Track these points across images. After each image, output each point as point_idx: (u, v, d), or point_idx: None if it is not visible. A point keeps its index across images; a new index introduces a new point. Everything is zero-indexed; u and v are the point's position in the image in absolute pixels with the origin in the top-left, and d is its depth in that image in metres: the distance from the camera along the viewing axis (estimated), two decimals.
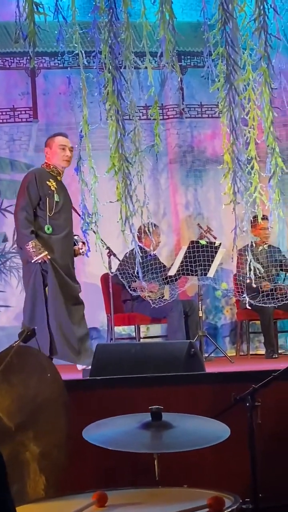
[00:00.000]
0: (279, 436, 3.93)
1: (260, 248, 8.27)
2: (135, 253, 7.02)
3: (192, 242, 7.73)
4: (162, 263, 8.11)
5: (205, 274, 7.62)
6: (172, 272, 7.66)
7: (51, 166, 6.28)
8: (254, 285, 7.71)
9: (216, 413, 3.27)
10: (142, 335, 8.14)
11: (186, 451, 2.88)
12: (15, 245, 7.72)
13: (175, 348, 4.55)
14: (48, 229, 6.11)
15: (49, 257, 6.01)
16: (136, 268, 7.02)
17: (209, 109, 8.79)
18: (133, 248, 7.21)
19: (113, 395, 3.97)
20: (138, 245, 6.98)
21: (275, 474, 3.92)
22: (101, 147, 7.47)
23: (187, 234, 8.67)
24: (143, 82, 7.31)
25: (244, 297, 7.64)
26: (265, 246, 8.36)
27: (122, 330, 8.46)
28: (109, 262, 7.12)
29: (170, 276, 7.73)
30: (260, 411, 3.28)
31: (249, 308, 7.71)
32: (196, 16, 7.86)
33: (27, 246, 6.00)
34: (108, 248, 7.05)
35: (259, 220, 7.73)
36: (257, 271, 7.27)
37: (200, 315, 7.60)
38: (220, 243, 7.77)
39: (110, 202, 7.02)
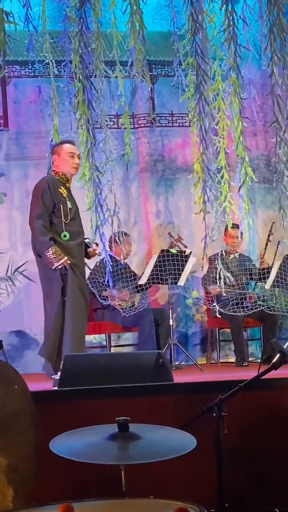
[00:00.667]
0: (245, 446, 3.95)
1: (231, 256, 8.32)
2: (106, 262, 7.05)
3: (162, 251, 7.76)
4: (133, 272, 8.13)
5: (176, 283, 7.65)
6: (142, 280, 7.68)
7: (60, 174, 6.27)
8: (225, 294, 7.76)
9: (183, 423, 3.28)
10: (113, 343, 8.14)
11: (153, 462, 2.89)
12: None
13: (143, 359, 4.56)
14: (65, 236, 6.11)
15: (69, 262, 5.99)
16: (107, 277, 7.05)
17: (180, 118, 8.83)
18: (104, 257, 7.24)
19: (80, 406, 3.96)
20: (109, 254, 7.01)
21: (241, 484, 3.93)
22: None
23: (158, 243, 8.69)
24: (113, 91, 7.34)
25: (215, 305, 7.69)
26: (235, 254, 8.40)
27: (93, 338, 8.46)
28: None
29: (141, 285, 7.74)
30: (227, 421, 3.30)
31: (219, 316, 7.76)
32: (166, 26, 7.90)
33: (47, 253, 5.98)
34: None
35: (229, 229, 7.81)
36: (227, 279, 7.32)
37: (171, 323, 7.62)
38: (191, 252, 7.80)
39: (81, 211, 7.04)
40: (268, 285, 7.94)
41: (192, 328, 8.87)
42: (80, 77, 6.89)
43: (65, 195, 6.18)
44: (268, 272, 8.01)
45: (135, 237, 8.64)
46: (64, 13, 6.94)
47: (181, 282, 7.66)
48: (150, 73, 7.62)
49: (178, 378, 4.91)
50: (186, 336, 8.85)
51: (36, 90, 7.84)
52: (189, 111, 7.20)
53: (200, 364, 7.71)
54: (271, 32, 7.01)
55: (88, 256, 6.51)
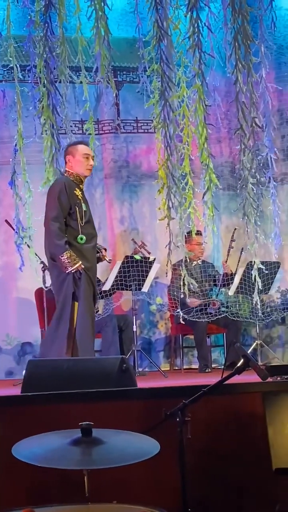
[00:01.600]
0: (208, 450, 3.96)
1: (194, 263, 8.33)
2: None
3: (126, 257, 7.75)
4: (97, 278, 8.10)
5: (140, 289, 7.64)
6: (106, 286, 7.65)
7: (74, 175, 6.16)
8: (188, 300, 7.78)
9: (147, 428, 3.27)
10: None
11: (116, 467, 2.88)
12: None
13: (107, 364, 4.55)
14: (82, 239, 5.96)
15: (83, 266, 5.90)
16: None
17: (145, 124, 8.84)
18: None
19: (44, 411, 3.94)
20: None
21: (205, 489, 3.94)
22: (36, 161, 7.46)
23: (122, 249, 8.68)
24: (78, 96, 7.34)
25: (179, 311, 7.71)
26: (198, 261, 8.42)
27: None
28: (43, 277, 7.08)
29: (105, 291, 7.72)
30: (190, 426, 3.30)
31: (183, 322, 7.77)
32: (131, 32, 7.91)
33: (62, 257, 5.84)
34: (42, 262, 7.01)
35: (193, 235, 7.82)
36: (191, 286, 7.34)
37: (135, 329, 7.60)
38: (155, 258, 7.80)
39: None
40: (231, 291, 7.97)
41: (156, 335, 8.86)
42: (45, 82, 6.89)
43: (80, 197, 6.07)
44: (232, 279, 8.04)
45: (99, 243, 8.61)
46: (29, 17, 6.93)
47: (145, 288, 7.65)
48: (115, 79, 7.64)
49: (142, 384, 4.90)
50: (150, 343, 8.84)
51: (0, 95, 7.80)
52: (154, 117, 7.23)
53: (164, 371, 7.71)
54: (236, 39, 7.08)
55: (99, 260, 6.42)
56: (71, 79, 7.05)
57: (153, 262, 7.71)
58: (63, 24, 6.94)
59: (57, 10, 6.82)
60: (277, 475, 3.53)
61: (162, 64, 6.97)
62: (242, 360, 3.34)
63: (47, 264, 7.30)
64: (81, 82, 7.11)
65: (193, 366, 8.59)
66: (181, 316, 7.57)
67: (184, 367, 8.41)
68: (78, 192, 6.03)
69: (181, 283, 7.35)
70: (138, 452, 2.98)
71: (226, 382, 3.49)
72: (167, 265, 7.19)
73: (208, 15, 7.13)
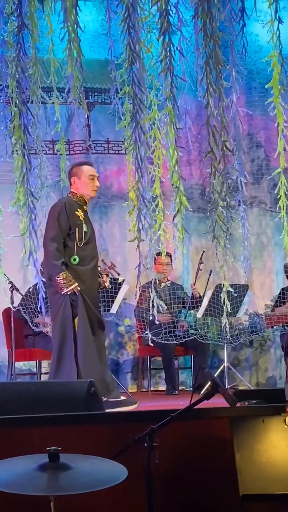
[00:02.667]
0: (176, 476, 3.94)
1: (163, 285, 8.34)
2: (39, 288, 6.99)
3: None
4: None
5: (108, 310, 7.62)
6: None
7: (78, 196, 6.15)
8: (157, 322, 7.78)
9: (114, 453, 3.26)
10: (43, 370, 8.05)
11: (83, 493, 2.86)
12: None
13: (75, 387, 4.52)
14: (75, 260, 5.97)
15: (79, 288, 5.87)
16: (40, 303, 6.98)
17: (116, 145, 8.86)
18: (37, 283, 7.17)
19: (10, 435, 3.90)
20: (42, 280, 6.95)
21: None
22: (6, 180, 7.45)
23: None
24: (49, 117, 7.33)
25: (147, 333, 7.70)
26: (167, 283, 8.43)
27: (23, 365, 8.36)
28: (11, 297, 7.04)
29: None
30: (158, 451, 3.29)
31: (151, 344, 7.77)
32: (104, 54, 7.94)
33: (58, 278, 5.86)
34: (10, 282, 6.98)
35: (163, 257, 7.84)
36: (160, 308, 7.34)
37: None
38: (124, 280, 7.80)
39: (14, 236, 6.98)
40: (200, 313, 7.99)
41: (123, 356, 8.85)
42: (17, 102, 6.87)
43: (81, 218, 6.05)
44: (200, 301, 8.06)
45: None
46: (2, 38, 6.92)
47: (114, 309, 7.64)
48: (86, 100, 7.65)
49: None
50: (118, 364, 8.83)
51: None
52: (125, 139, 7.24)
53: (131, 392, 7.70)
54: (207, 64, 7.12)
55: (99, 285, 6.39)
56: (43, 99, 7.05)
57: (122, 284, 7.70)
58: (35, 45, 6.95)
59: (30, 31, 6.82)
60: (244, 501, 3.52)
61: (134, 86, 7.00)
62: (211, 386, 3.35)
63: (15, 284, 7.28)
64: (53, 103, 7.11)
65: (160, 388, 8.58)
66: (149, 338, 7.56)
67: (152, 389, 8.41)
68: (80, 213, 6.04)
69: (150, 305, 7.35)
70: (106, 477, 2.97)
71: (194, 407, 3.49)
72: (136, 286, 7.19)
73: (180, 39, 7.17)
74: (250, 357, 9.12)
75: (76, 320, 5.90)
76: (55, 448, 2.95)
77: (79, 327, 5.88)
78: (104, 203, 8.85)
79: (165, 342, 7.83)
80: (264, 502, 3.79)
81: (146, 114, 7.13)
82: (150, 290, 7.45)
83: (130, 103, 7.09)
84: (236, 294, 7.81)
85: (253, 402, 4.38)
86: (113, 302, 7.62)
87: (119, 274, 8.06)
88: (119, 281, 7.72)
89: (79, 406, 4.27)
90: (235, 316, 8.15)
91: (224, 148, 7.18)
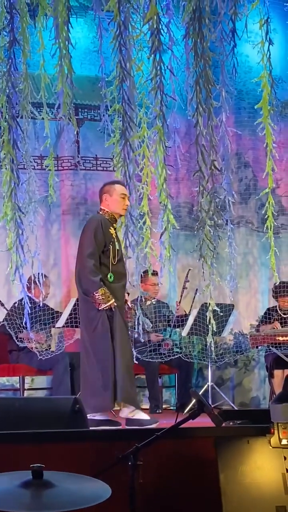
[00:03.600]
0: (160, 495, 3.92)
1: (148, 302, 8.33)
2: (24, 303, 6.97)
3: None
4: (54, 310, 8.02)
5: None
6: (60, 323, 7.60)
7: (109, 213, 6.15)
8: (142, 340, 7.76)
9: (98, 471, 3.23)
10: (26, 386, 8.01)
11: (66, 511, 2.83)
12: None
13: (59, 404, 4.49)
14: (111, 277, 5.93)
15: (115, 304, 5.87)
16: (25, 318, 6.96)
17: (104, 162, 8.88)
18: (22, 298, 7.15)
19: None
20: (27, 296, 6.93)
21: None
22: None
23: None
24: (39, 132, 7.35)
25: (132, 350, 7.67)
26: (153, 301, 8.42)
27: (6, 380, 8.31)
28: None
29: (58, 327, 7.66)
30: (142, 470, 3.27)
31: (136, 362, 7.74)
32: (94, 71, 7.98)
33: (96, 294, 5.81)
34: None
35: (149, 275, 7.84)
36: (146, 325, 7.34)
37: None
38: None
39: (1, 251, 6.97)
40: (185, 332, 7.97)
41: None
42: (7, 116, 6.87)
43: (114, 236, 6.05)
44: (186, 319, 8.06)
45: (53, 280, 8.57)
46: None
47: None
48: (76, 117, 7.67)
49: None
50: None
51: None
52: (113, 156, 7.26)
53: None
54: (197, 83, 7.16)
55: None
56: (32, 115, 7.07)
57: None
58: (26, 61, 6.98)
59: (21, 47, 6.84)
60: None
61: (124, 104, 7.03)
62: (196, 405, 3.33)
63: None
64: (42, 118, 7.13)
65: (144, 406, 8.52)
66: (134, 356, 7.53)
67: None
68: (112, 231, 6.04)
69: (135, 322, 7.35)
70: (89, 496, 2.94)
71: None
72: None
73: (171, 58, 7.22)
74: (234, 376, 9.11)
75: (114, 332, 5.91)
76: (38, 465, 2.92)
77: (118, 341, 5.87)
78: None
79: (150, 360, 7.81)
80: None
81: (136, 131, 7.15)
82: (135, 307, 7.46)
83: (120, 121, 7.11)
84: (221, 313, 7.81)
85: (238, 422, 4.37)
86: None
87: None
88: None
89: (63, 423, 4.24)
90: (220, 335, 8.14)
91: (213, 167, 7.21)
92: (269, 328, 8.07)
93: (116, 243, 6.04)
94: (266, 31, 7.22)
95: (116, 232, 6.12)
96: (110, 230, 6.04)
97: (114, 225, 6.15)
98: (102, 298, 5.81)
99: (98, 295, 5.82)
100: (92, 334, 5.91)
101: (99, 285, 5.83)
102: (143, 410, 8.29)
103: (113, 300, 5.84)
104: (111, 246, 5.96)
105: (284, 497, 3.53)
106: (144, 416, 5.94)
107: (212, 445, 3.68)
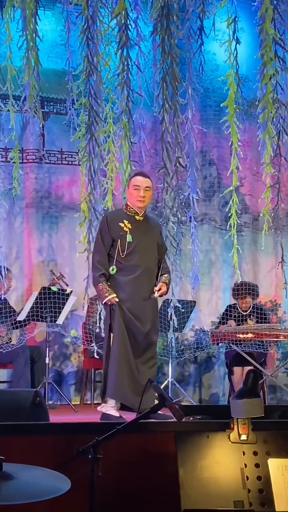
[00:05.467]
0: (119, 489, 3.93)
1: None
2: None
3: (43, 288, 7.69)
4: (12, 308, 8.01)
5: (55, 321, 7.58)
6: (21, 317, 7.57)
7: (129, 207, 6.11)
8: (103, 335, 7.75)
9: (58, 464, 3.23)
10: None
11: (25, 503, 2.82)
12: None
13: (20, 397, 4.48)
14: (113, 270, 5.96)
15: (117, 300, 5.87)
16: None
17: (69, 156, 8.86)
18: None
19: None
20: None
21: None
22: None
23: (39, 280, 8.62)
24: (4, 124, 7.30)
25: (93, 345, 7.67)
26: None
27: None
28: None
29: (19, 321, 7.64)
30: (102, 464, 3.27)
31: (97, 356, 7.74)
32: (61, 64, 7.95)
33: (97, 289, 5.97)
34: None
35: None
36: None
37: (47, 361, 7.53)
38: (71, 291, 7.77)
39: None
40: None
41: (68, 367, 8.80)
42: None
43: (126, 229, 5.99)
44: None
45: (15, 273, 8.53)
46: None
47: (60, 320, 7.60)
48: (42, 110, 7.64)
49: (52, 417, 4.84)
50: (61, 375, 8.78)
51: None
52: (79, 150, 7.26)
53: (74, 404, 7.65)
54: (164, 80, 7.18)
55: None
56: None
57: (69, 295, 7.67)
58: None
59: None
60: None
61: (90, 98, 7.02)
62: (157, 399, 3.35)
63: None
64: (8, 110, 7.09)
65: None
66: (95, 350, 7.53)
67: (95, 401, 8.37)
68: (125, 224, 6.00)
69: (97, 318, 7.34)
70: (49, 488, 2.94)
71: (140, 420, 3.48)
72: (84, 298, 7.18)
73: (138, 54, 7.23)
74: (194, 373, 9.16)
75: (111, 334, 5.95)
76: None
77: (114, 339, 5.92)
78: (55, 213, 8.81)
79: None
80: None
81: (101, 126, 7.15)
82: (97, 302, 7.45)
83: (86, 115, 7.10)
84: (183, 310, 7.85)
85: (198, 417, 4.40)
86: (60, 313, 7.57)
87: (67, 285, 8.03)
88: (66, 292, 7.69)
89: (23, 416, 4.23)
90: (181, 331, 8.18)
91: (177, 164, 7.24)
92: (229, 326, 8.12)
93: (129, 236, 6.00)
94: (234, 30, 7.26)
95: (133, 225, 6.03)
96: (120, 224, 6.03)
97: (136, 217, 6.09)
98: (102, 293, 5.90)
99: (99, 290, 5.96)
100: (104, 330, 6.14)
101: (98, 280, 5.95)
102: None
103: (112, 295, 5.88)
104: (119, 240, 5.96)
105: (242, 492, 3.55)
106: (114, 413, 5.94)
107: (173, 440, 3.68)
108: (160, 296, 6.07)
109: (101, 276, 5.95)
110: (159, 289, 6.00)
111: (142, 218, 6.10)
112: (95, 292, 7.57)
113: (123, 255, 5.97)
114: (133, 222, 6.04)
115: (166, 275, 6.13)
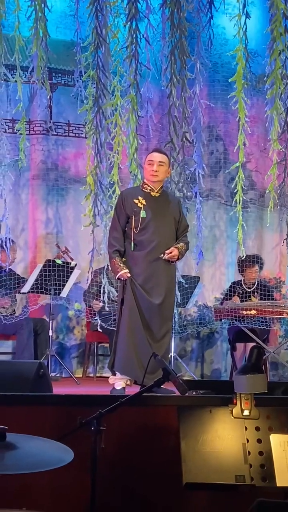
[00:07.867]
0: (121, 461, 3.96)
1: None
2: None
3: (48, 260, 7.69)
4: (18, 275, 7.98)
5: (59, 294, 7.59)
6: (25, 289, 7.58)
7: (145, 183, 6.11)
8: (107, 309, 7.77)
9: (61, 435, 3.25)
10: None
11: (28, 473, 2.85)
12: None
13: (24, 368, 4.50)
14: (132, 246, 5.98)
15: (128, 275, 5.90)
16: None
17: (76, 128, 8.81)
18: None
19: None
20: None
21: (115, 500, 3.93)
22: None
23: (44, 252, 8.61)
24: (11, 95, 7.26)
25: (96, 319, 7.69)
26: None
27: None
28: None
29: (24, 293, 7.65)
30: (104, 436, 3.29)
31: (100, 330, 7.76)
32: (70, 36, 7.89)
33: (111, 264, 6.04)
34: None
35: None
36: (111, 294, 7.35)
37: (50, 334, 7.55)
38: (76, 264, 7.77)
39: None
40: None
41: (71, 340, 8.83)
42: None
43: (140, 205, 5.98)
44: None
45: (21, 244, 8.53)
46: None
47: (64, 293, 7.61)
48: (50, 81, 7.59)
49: (55, 389, 4.87)
50: (64, 348, 8.80)
51: None
52: (86, 123, 7.22)
53: (77, 377, 7.68)
54: (172, 54, 7.13)
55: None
56: (5, 77, 6.98)
57: (74, 268, 7.67)
58: (1, 22, 6.88)
59: None
60: (187, 489, 3.54)
61: (98, 71, 6.98)
62: (161, 373, 3.36)
63: None
64: (15, 81, 7.05)
65: (105, 374, 8.57)
66: (98, 324, 7.55)
67: (97, 375, 8.41)
68: (140, 200, 6.00)
69: (101, 291, 7.36)
70: (52, 459, 2.95)
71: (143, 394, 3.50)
72: (88, 271, 7.18)
73: (147, 27, 7.18)
74: (196, 348, 9.18)
75: (122, 304, 6.00)
76: (2, 427, 2.93)
77: (123, 314, 5.97)
78: (61, 186, 8.78)
79: (114, 328, 7.83)
80: (206, 491, 3.82)
81: (109, 99, 7.12)
82: (102, 276, 7.46)
83: (94, 87, 7.06)
84: (187, 285, 7.85)
85: (201, 392, 4.42)
86: (64, 286, 7.58)
87: (72, 259, 8.03)
88: (71, 265, 7.69)
89: (27, 387, 4.25)
90: (184, 306, 8.19)
91: (184, 139, 7.21)
92: (233, 302, 8.12)
93: (143, 211, 5.99)
94: (244, 4, 7.21)
95: (148, 201, 6.00)
96: (135, 200, 6.02)
97: (153, 193, 6.07)
98: (115, 268, 5.96)
99: (112, 265, 6.01)
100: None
101: (112, 256, 6.02)
102: (105, 378, 8.37)
103: (125, 270, 5.90)
104: (133, 216, 5.97)
105: (243, 467, 3.57)
106: (122, 385, 5.98)
107: (175, 414, 3.70)
108: (170, 259, 6.01)
109: (114, 252, 5.99)
110: (170, 252, 5.98)
111: (158, 194, 6.07)
112: (100, 265, 7.62)
113: (136, 230, 5.97)
114: (148, 198, 6.02)
115: (181, 244, 6.10)
